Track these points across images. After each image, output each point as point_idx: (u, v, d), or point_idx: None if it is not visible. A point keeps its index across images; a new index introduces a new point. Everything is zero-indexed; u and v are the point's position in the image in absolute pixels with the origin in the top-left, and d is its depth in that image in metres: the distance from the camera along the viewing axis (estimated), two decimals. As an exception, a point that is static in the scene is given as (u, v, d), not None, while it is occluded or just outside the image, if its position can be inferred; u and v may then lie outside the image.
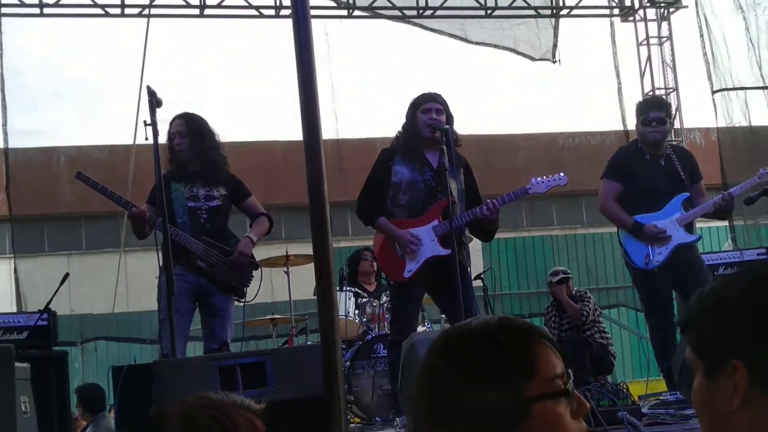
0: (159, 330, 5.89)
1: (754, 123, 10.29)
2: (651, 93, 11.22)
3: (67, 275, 7.11)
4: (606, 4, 11.47)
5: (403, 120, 5.86)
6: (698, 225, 6.55)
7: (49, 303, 7.14)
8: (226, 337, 5.95)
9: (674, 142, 10.60)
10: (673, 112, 6.42)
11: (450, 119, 5.74)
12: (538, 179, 5.84)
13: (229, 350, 6.04)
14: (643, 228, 6.12)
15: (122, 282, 10.91)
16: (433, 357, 1.56)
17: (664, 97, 9.81)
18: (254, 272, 6.17)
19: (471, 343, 1.52)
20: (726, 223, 10.70)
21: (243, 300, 6.14)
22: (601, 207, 6.41)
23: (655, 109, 6.35)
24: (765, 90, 10.03)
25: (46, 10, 9.88)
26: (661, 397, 5.94)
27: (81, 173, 5.88)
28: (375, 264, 7.68)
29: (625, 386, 5.20)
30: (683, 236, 6.14)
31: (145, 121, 5.46)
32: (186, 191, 5.98)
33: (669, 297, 6.28)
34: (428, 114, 5.67)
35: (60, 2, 9.88)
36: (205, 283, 5.90)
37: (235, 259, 5.97)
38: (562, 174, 5.90)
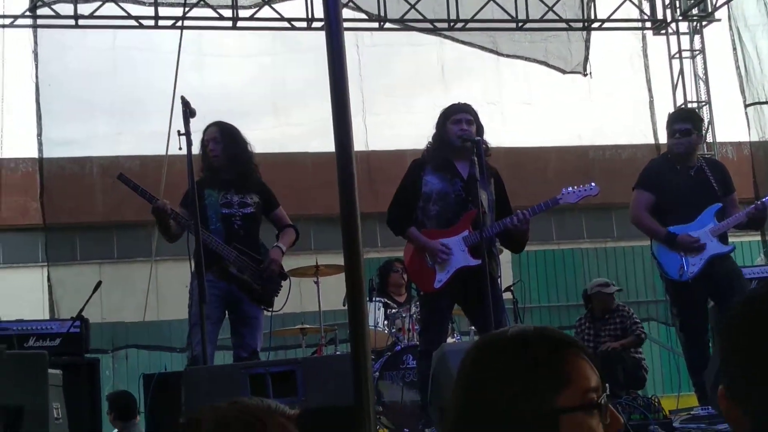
0: (188, 335, 5.93)
1: (787, 137, 10.22)
2: (683, 106, 11.16)
3: (99, 283, 7.17)
4: (638, 17, 11.42)
5: (433, 131, 5.88)
6: (730, 239, 6.51)
7: (81, 311, 7.20)
8: (256, 345, 5.97)
9: (707, 156, 10.56)
10: (705, 125, 6.38)
11: (480, 130, 5.75)
12: (569, 189, 5.83)
13: (259, 359, 6.06)
14: (676, 238, 6.10)
15: (153, 291, 11.00)
16: (468, 363, 1.57)
17: (695, 109, 9.74)
18: (283, 282, 6.20)
19: (506, 351, 1.52)
20: (758, 237, 10.61)
21: (271, 309, 6.17)
22: (632, 217, 6.39)
23: (680, 121, 6.39)
24: (797, 104, 9.96)
25: (81, 22, 9.99)
26: (692, 412, 5.90)
27: (123, 174, 5.96)
28: (405, 276, 7.69)
29: (656, 400, 5.18)
30: (717, 247, 6.11)
31: (179, 131, 5.52)
32: (220, 198, 6.03)
33: (703, 310, 6.22)
34: (459, 125, 5.69)
35: (95, 14, 9.99)
36: (236, 291, 5.93)
37: (267, 267, 6.00)
38: (593, 184, 5.88)
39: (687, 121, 6.39)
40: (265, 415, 1.56)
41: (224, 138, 6.10)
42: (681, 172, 6.24)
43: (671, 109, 11.25)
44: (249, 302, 5.98)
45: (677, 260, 6.12)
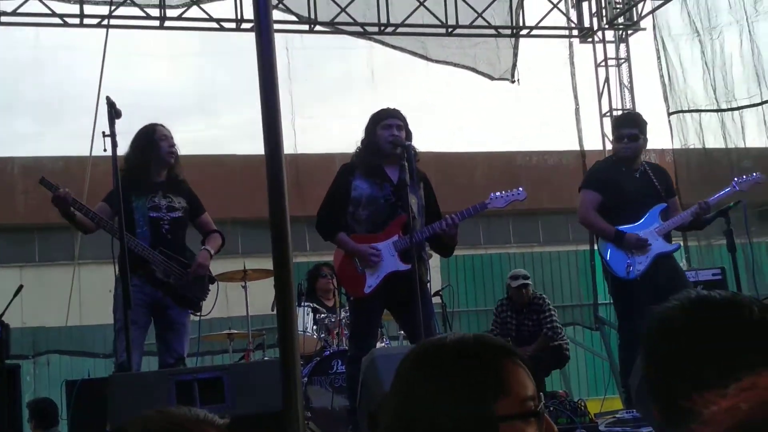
0: (114, 341, 5.79)
1: (708, 145, 10.44)
2: (609, 114, 11.34)
3: (20, 288, 7.00)
4: (565, 24, 11.58)
5: (362, 135, 5.87)
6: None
7: (1, 315, 7.02)
8: (183, 351, 5.87)
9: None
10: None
11: (409, 135, 5.77)
12: (497, 194, 5.88)
13: (185, 365, 5.97)
14: (624, 236, 6.23)
15: (76, 295, 10.75)
16: (405, 370, 1.56)
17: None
18: (211, 286, 6.11)
19: (445, 358, 1.51)
20: (681, 243, 10.83)
21: (199, 314, 6.08)
22: (581, 217, 6.51)
23: (627, 126, 6.53)
24: (719, 113, 10.18)
25: (3, 19, 9.74)
26: (617, 415, 5.98)
27: (44, 179, 5.78)
28: (334, 281, 7.67)
29: (582, 404, 5.23)
30: (663, 246, 6.25)
31: (104, 132, 5.40)
32: (147, 201, 5.89)
33: (645, 311, 6.32)
34: (389, 130, 5.69)
35: (17, 11, 9.76)
36: (162, 296, 5.81)
37: (195, 270, 5.90)
38: (521, 189, 5.96)
39: (634, 126, 6.53)
40: (194, 425, 1.53)
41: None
42: (626, 174, 6.40)
43: (597, 117, 11.45)
44: (176, 307, 5.86)
45: (624, 258, 6.24)
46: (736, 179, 6.36)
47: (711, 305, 1.50)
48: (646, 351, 1.56)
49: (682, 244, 10.90)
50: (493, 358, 1.50)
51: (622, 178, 6.38)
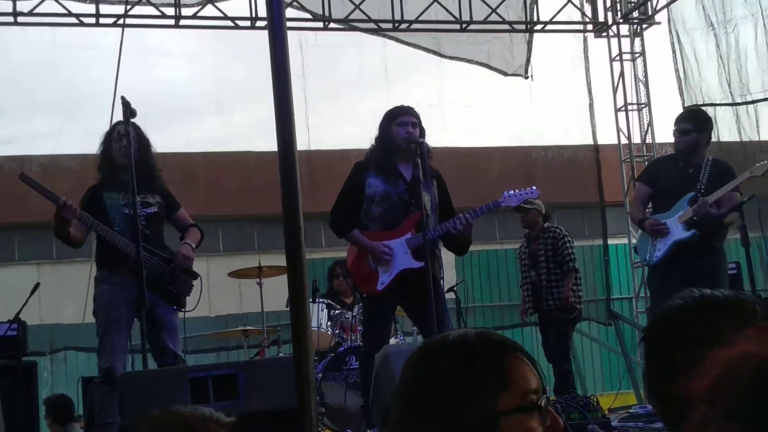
0: (99, 344, 5.64)
1: (723, 139, 10.40)
2: (623, 108, 11.31)
3: (37, 285, 7.07)
4: (579, 19, 11.55)
5: (376, 133, 5.89)
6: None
7: (18, 313, 7.09)
8: (178, 349, 5.75)
9: (647, 157, 10.72)
10: (691, 122, 6.50)
11: (422, 132, 5.78)
12: (510, 192, 5.89)
13: (184, 362, 5.92)
14: (644, 222, 6.46)
15: (92, 292, 10.82)
16: (410, 366, 1.58)
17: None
18: (194, 282, 5.99)
19: (448, 354, 1.54)
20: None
21: (184, 309, 5.96)
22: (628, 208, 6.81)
23: (681, 121, 6.62)
24: (733, 106, 10.14)
25: (20, 19, 9.82)
26: (630, 410, 5.99)
27: (24, 174, 5.75)
28: (348, 281, 7.69)
29: (595, 399, 5.24)
30: (680, 233, 6.28)
31: (119, 132, 5.42)
32: (121, 198, 5.76)
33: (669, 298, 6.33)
34: (404, 127, 5.70)
35: (34, 11, 9.83)
36: (148, 293, 5.46)
37: (180, 263, 5.82)
38: (534, 188, 5.98)
39: (688, 121, 6.59)
40: (198, 423, 1.54)
41: (138, 136, 5.76)
42: (680, 169, 6.48)
43: (611, 111, 11.43)
44: (162, 304, 5.68)
45: (647, 245, 6.45)
46: (753, 166, 6.36)
47: (713, 305, 1.51)
48: (645, 347, 1.58)
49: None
50: (494, 353, 1.52)
51: (674, 171, 6.51)
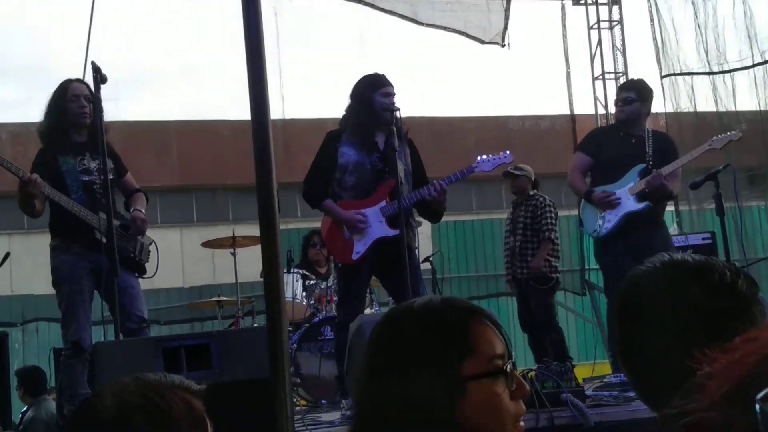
0: (63, 316, 5.50)
1: (699, 108, 10.42)
2: (601, 77, 11.28)
3: (7, 255, 6.98)
4: (557, -13, 11.49)
5: (350, 101, 5.81)
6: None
7: (-12, 283, 7.00)
8: (143, 313, 5.62)
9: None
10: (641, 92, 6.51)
11: (393, 102, 5.75)
12: (484, 157, 5.86)
13: (148, 327, 5.82)
14: (592, 194, 6.30)
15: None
16: (375, 334, 1.58)
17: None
18: (150, 247, 5.85)
19: (412, 321, 1.54)
20: (672, 207, 10.83)
21: (144, 276, 5.79)
22: (568, 178, 6.59)
23: (624, 90, 6.62)
24: (710, 75, 10.14)
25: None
26: (605, 380, 5.99)
27: None
28: (324, 250, 7.64)
29: (569, 367, 5.21)
30: (633, 204, 6.23)
31: (76, 92, 5.30)
32: (77, 164, 5.57)
33: (626, 269, 6.30)
34: (389, 98, 5.64)
35: (2, -25, 9.66)
36: (107, 262, 5.25)
37: (138, 229, 5.69)
38: (507, 152, 5.94)
39: (631, 91, 6.57)
40: (167, 390, 1.54)
41: (93, 97, 5.40)
42: (622, 139, 6.43)
43: (589, 80, 11.40)
44: (123, 271, 5.37)
45: (596, 217, 6.31)
46: (713, 138, 6.37)
47: (683, 268, 1.53)
48: (619, 313, 1.58)
49: (674, 208, 10.91)
50: (458, 319, 1.52)
51: (616, 141, 6.42)
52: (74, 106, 5.61)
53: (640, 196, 6.22)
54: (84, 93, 5.61)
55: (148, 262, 5.83)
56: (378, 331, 1.58)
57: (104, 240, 5.31)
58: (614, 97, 6.70)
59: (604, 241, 6.31)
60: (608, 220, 6.24)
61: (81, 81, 5.74)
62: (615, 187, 6.28)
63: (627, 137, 6.41)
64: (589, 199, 6.33)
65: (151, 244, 5.88)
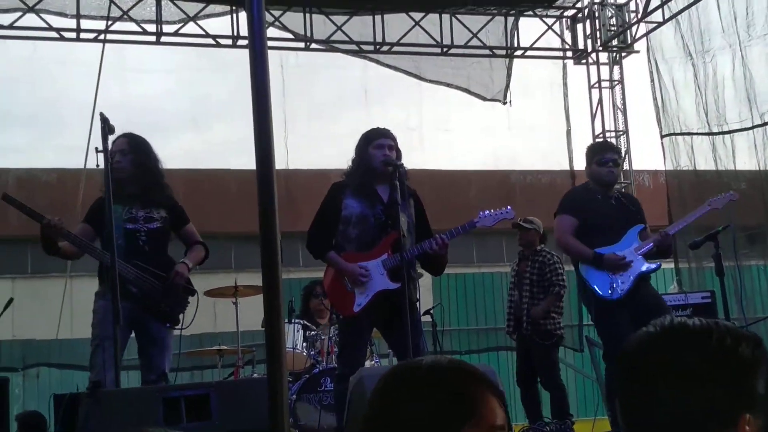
0: (91, 357, 5.65)
1: (699, 167, 10.50)
2: (602, 135, 11.39)
3: (11, 300, 7.00)
4: (559, 46, 11.65)
5: (353, 154, 5.90)
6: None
7: (-9, 328, 7.02)
8: (165, 367, 5.75)
9: (624, 184, 10.78)
10: (623, 155, 6.65)
11: (399, 155, 5.81)
12: (486, 212, 5.90)
13: (168, 381, 5.91)
14: (603, 258, 6.21)
15: (67, 307, 10.71)
16: (377, 392, 1.59)
17: (614, 140, 9.99)
18: (190, 298, 5.96)
19: (416, 381, 1.55)
20: (672, 265, 10.86)
21: (179, 327, 5.92)
22: (558, 241, 6.50)
23: (611, 151, 6.61)
24: (710, 136, 10.24)
25: (0, 32, 9.79)
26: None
27: (7, 195, 5.72)
28: (326, 301, 7.66)
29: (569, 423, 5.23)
30: (644, 264, 6.24)
31: (96, 148, 5.40)
32: (124, 213, 5.76)
33: (629, 332, 6.31)
34: (381, 150, 5.72)
35: (15, 24, 9.80)
36: (139, 311, 5.63)
37: (170, 283, 5.78)
38: (509, 207, 5.98)
39: (616, 152, 6.65)
40: None
41: (132, 150, 5.82)
42: (602, 200, 6.42)
43: (590, 138, 11.49)
44: (155, 322, 5.71)
45: (607, 279, 6.21)
46: (710, 199, 6.41)
47: (684, 332, 1.54)
48: (622, 375, 1.59)
49: (673, 266, 10.94)
50: (464, 383, 1.53)
51: (598, 203, 6.41)
52: (113, 162, 5.79)
53: (647, 256, 6.27)
54: (120, 148, 5.83)
55: (183, 312, 5.90)
56: (380, 388, 1.59)
57: (135, 290, 5.58)
58: (594, 157, 6.54)
59: (620, 303, 6.17)
60: (622, 282, 6.17)
61: (123, 135, 5.92)
62: (618, 248, 6.25)
63: (605, 198, 6.43)
64: (600, 264, 6.22)
65: (193, 295, 5.97)
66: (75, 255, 5.85)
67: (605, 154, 6.52)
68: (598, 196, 6.43)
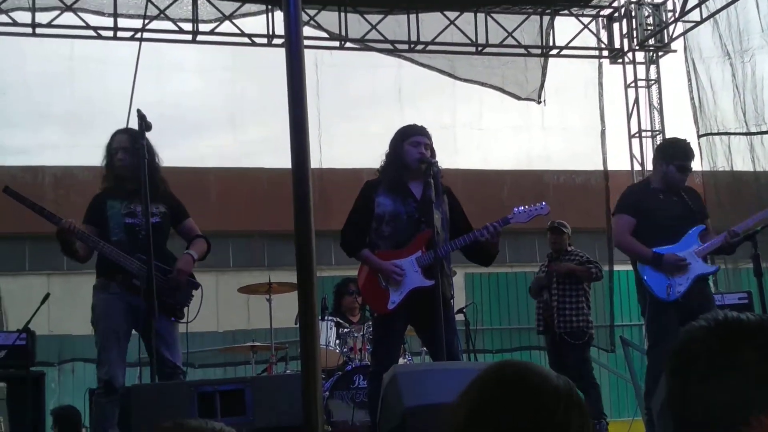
0: (98, 354, 5.62)
1: (736, 168, 10.39)
2: (637, 135, 11.31)
3: (47, 296, 7.07)
4: (595, 45, 11.58)
5: (387, 150, 5.89)
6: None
7: (28, 323, 7.10)
8: (177, 360, 5.70)
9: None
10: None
11: (433, 153, 5.79)
12: (521, 208, 5.86)
13: (185, 375, 5.88)
14: (662, 258, 6.14)
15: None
16: (483, 384, 1.60)
17: (650, 140, 9.86)
18: (194, 291, 5.94)
19: (531, 398, 1.56)
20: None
21: (184, 321, 5.86)
22: (616, 241, 6.46)
23: (688, 158, 6.41)
24: (748, 136, 10.13)
25: (38, 30, 9.89)
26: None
27: (8, 188, 5.74)
28: (359, 298, 7.67)
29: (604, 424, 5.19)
30: (702, 267, 6.19)
31: (134, 145, 5.44)
32: (123, 208, 5.77)
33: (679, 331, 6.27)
34: (417, 147, 5.71)
35: (53, 23, 9.90)
36: (143, 304, 5.46)
37: (174, 276, 5.77)
38: (544, 203, 5.93)
39: (692, 159, 6.46)
40: None
41: (133, 146, 5.69)
42: (664, 200, 6.32)
43: (625, 138, 11.41)
44: (160, 315, 5.54)
45: (664, 280, 6.14)
46: None
47: (741, 327, 1.53)
48: (672, 371, 1.58)
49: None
50: (573, 412, 1.55)
51: (660, 202, 6.31)
52: (115, 158, 5.83)
53: (705, 258, 6.21)
54: (123, 145, 5.82)
55: (188, 306, 5.89)
56: (490, 384, 1.60)
57: (138, 283, 5.52)
58: (671, 158, 6.41)
59: (676, 305, 6.10)
60: (680, 284, 6.10)
61: (124, 131, 5.92)
62: (678, 248, 6.18)
63: (669, 198, 6.34)
64: (659, 264, 6.15)
65: (196, 289, 5.94)
66: (86, 257, 5.81)
67: (686, 160, 6.39)
68: (661, 195, 6.35)
